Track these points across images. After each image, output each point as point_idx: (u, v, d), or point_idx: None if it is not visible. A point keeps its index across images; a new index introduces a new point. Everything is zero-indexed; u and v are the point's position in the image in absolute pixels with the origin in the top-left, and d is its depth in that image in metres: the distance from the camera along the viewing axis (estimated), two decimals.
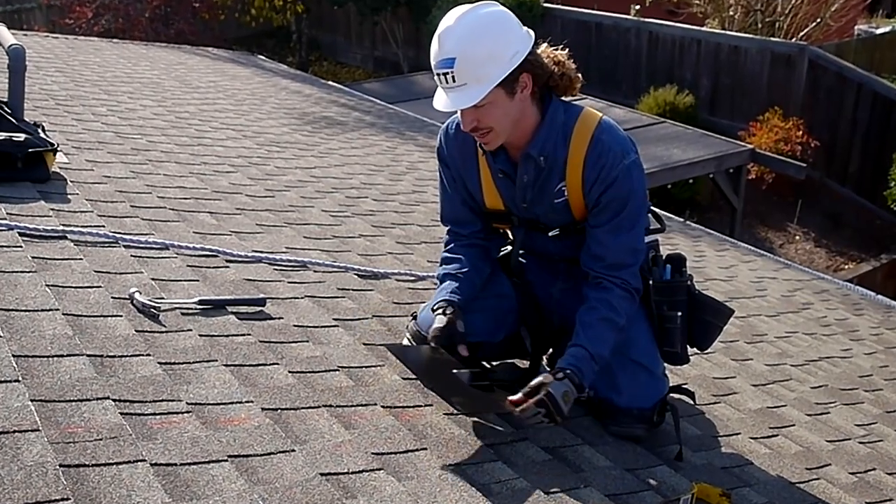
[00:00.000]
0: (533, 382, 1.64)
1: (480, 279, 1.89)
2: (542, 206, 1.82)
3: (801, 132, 8.28)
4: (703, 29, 10.42)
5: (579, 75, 1.79)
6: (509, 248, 2.00)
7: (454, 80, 1.64)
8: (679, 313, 1.83)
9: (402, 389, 1.77)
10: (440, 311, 1.78)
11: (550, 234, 1.85)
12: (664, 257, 1.91)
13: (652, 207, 1.95)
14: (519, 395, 1.62)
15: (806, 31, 10.43)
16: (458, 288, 1.83)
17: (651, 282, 1.85)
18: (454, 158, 1.86)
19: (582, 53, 10.74)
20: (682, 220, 4.79)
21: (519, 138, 1.75)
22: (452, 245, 1.92)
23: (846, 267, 7.76)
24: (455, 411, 1.71)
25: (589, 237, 1.78)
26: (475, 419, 1.71)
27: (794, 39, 10.00)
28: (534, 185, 1.79)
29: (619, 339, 1.76)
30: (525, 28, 1.72)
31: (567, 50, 1.80)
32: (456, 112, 1.75)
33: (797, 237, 8.20)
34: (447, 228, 1.96)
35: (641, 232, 1.79)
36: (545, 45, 1.79)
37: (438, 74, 1.66)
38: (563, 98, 1.79)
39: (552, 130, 1.73)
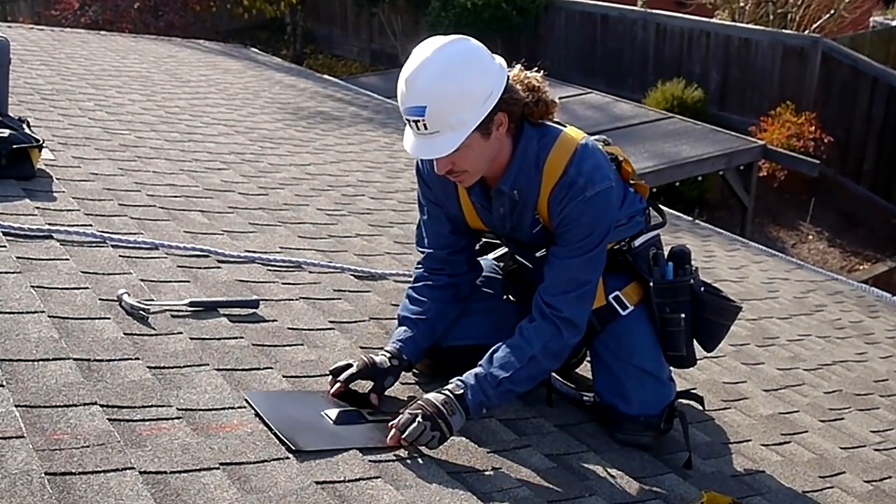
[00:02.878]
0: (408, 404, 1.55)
1: (443, 325, 1.81)
2: (522, 233, 1.78)
3: (813, 128, 8.20)
4: (713, 21, 10.35)
5: (555, 99, 1.72)
6: (506, 249, 1.97)
7: (425, 128, 1.55)
8: (682, 315, 1.79)
9: (400, 394, 1.74)
10: (384, 356, 1.71)
11: (537, 254, 1.81)
12: (667, 253, 1.87)
13: (651, 201, 1.91)
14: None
15: (819, 22, 10.38)
16: (412, 337, 1.76)
17: (651, 283, 1.81)
18: (433, 180, 1.80)
19: (587, 46, 10.73)
20: (690, 218, 4.78)
21: (494, 171, 1.70)
22: (422, 284, 1.84)
23: (861, 267, 7.70)
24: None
25: (546, 262, 1.73)
26: (476, 425, 1.68)
27: (806, 32, 9.95)
28: (511, 215, 1.75)
29: (531, 371, 1.64)
30: (497, 59, 1.64)
31: (541, 72, 1.72)
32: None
33: (810, 236, 8.14)
34: (422, 256, 1.87)
35: (594, 266, 1.69)
36: (518, 67, 1.71)
37: (409, 121, 1.58)
38: (545, 120, 1.72)
39: (525, 163, 1.68)
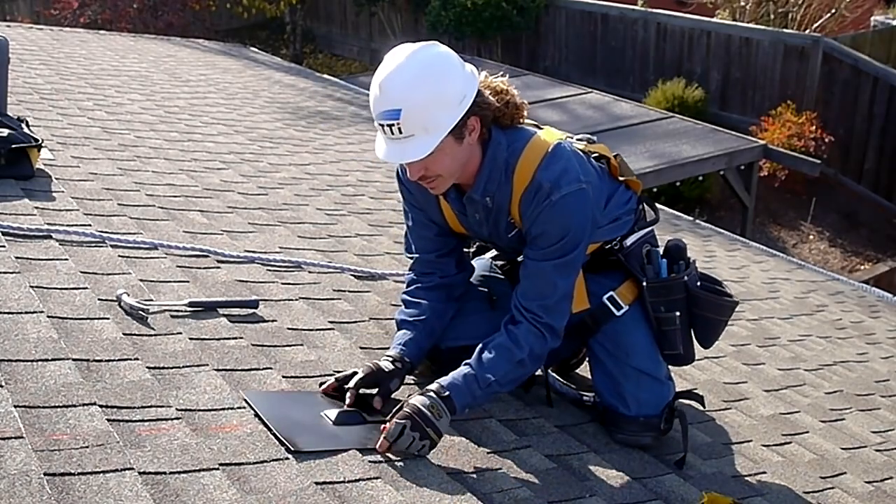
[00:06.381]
0: (396, 408, 1.53)
1: (441, 324, 1.82)
2: (500, 239, 1.78)
3: (814, 127, 8.18)
4: (714, 20, 10.35)
5: (525, 101, 1.73)
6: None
7: (400, 132, 1.55)
8: (677, 314, 1.78)
9: (400, 395, 1.73)
10: (388, 360, 1.71)
11: (519, 258, 1.80)
12: (661, 249, 1.85)
13: (643, 197, 1.89)
14: (385, 425, 1.51)
15: (820, 22, 10.36)
16: (413, 339, 1.76)
17: (644, 282, 1.79)
18: (414, 186, 1.80)
19: (588, 45, 10.72)
20: (691, 218, 4.77)
21: (466, 178, 1.70)
22: (414, 288, 1.85)
23: (862, 267, 7.68)
24: (456, 418, 1.66)
25: (521, 265, 1.73)
26: (476, 425, 1.68)
27: (807, 31, 9.94)
28: (486, 222, 1.75)
29: (517, 373, 1.66)
30: (468, 66, 1.65)
31: (506, 76, 1.73)
32: None
33: (811, 236, 8.12)
34: (412, 262, 1.89)
35: (569, 270, 1.68)
36: (483, 74, 1.72)
37: (382, 125, 1.58)
38: (516, 123, 1.72)
39: (494, 170, 1.67)
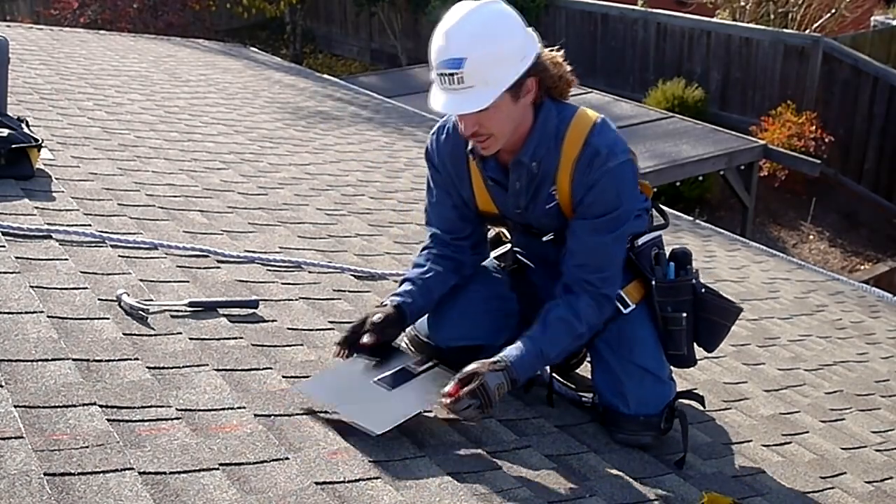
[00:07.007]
0: (467, 369, 1.60)
1: (440, 288, 1.83)
2: (535, 212, 1.79)
3: (814, 127, 8.20)
4: (714, 20, 10.36)
5: (574, 78, 1.76)
6: (507, 247, 1.96)
7: (461, 82, 1.57)
8: (684, 314, 1.80)
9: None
10: (380, 304, 1.78)
11: (544, 238, 1.82)
12: (668, 254, 1.87)
13: (654, 202, 1.91)
14: (452, 386, 1.57)
15: (820, 22, 10.38)
16: (410, 291, 1.78)
17: (654, 282, 1.81)
18: (445, 163, 1.82)
19: (587, 45, 10.72)
20: (691, 218, 4.77)
21: (512, 143, 1.71)
22: (426, 252, 1.87)
23: (862, 268, 7.69)
24: (455, 417, 1.67)
25: (569, 236, 1.75)
26: (476, 425, 1.67)
27: (807, 31, 9.96)
28: (527, 191, 1.76)
29: (574, 346, 1.75)
30: (529, 29, 1.67)
31: (561, 50, 1.76)
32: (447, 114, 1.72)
33: (811, 236, 8.13)
34: (429, 233, 1.90)
35: (622, 239, 1.75)
36: (540, 45, 1.73)
37: (443, 74, 1.59)
38: (564, 98, 1.75)
39: (545, 135, 1.70)
